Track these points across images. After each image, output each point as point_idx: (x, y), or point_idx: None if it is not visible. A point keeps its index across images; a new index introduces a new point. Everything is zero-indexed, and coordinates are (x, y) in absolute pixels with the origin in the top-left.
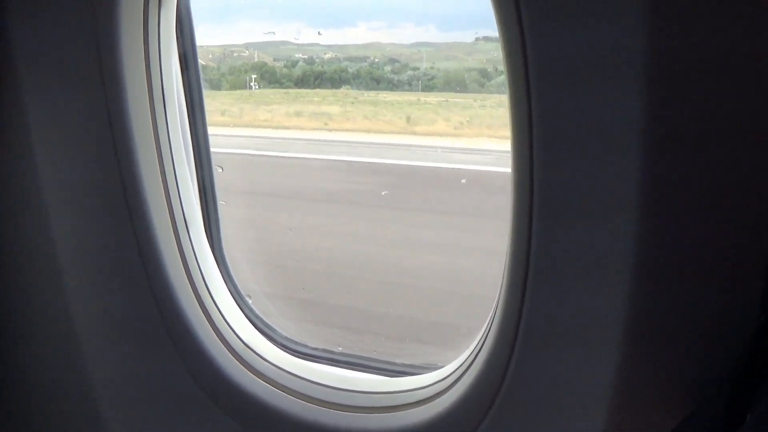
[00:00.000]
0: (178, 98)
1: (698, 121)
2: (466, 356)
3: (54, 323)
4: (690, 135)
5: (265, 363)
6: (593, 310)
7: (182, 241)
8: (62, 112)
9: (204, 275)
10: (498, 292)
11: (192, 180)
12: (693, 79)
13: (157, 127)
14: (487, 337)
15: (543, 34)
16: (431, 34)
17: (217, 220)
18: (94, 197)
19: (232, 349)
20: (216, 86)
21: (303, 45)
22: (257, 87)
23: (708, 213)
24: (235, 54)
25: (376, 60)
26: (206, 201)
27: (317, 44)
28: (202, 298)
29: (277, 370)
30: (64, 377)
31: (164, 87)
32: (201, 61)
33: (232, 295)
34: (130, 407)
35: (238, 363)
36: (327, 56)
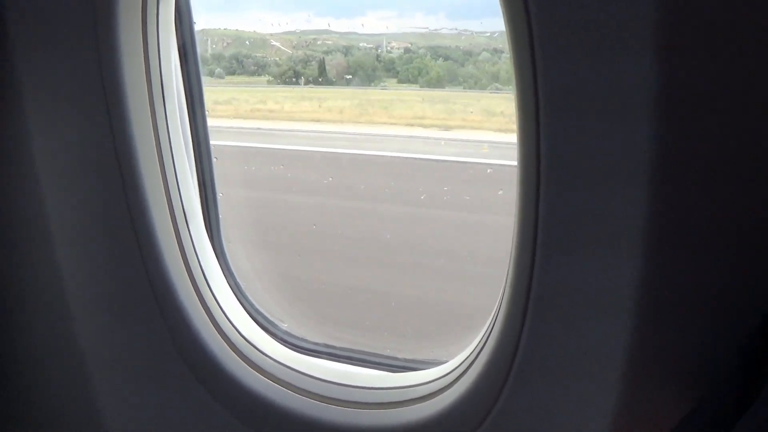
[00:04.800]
0: (177, 91)
1: (710, 89)
2: (471, 350)
3: (53, 319)
4: (702, 104)
5: (266, 358)
6: (604, 286)
7: (182, 235)
8: (61, 107)
9: (204, 270)
10: (503, 285)
11: (192, 174)
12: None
13: (156, 121)
14: (492, 330)
15: (547, 8)
16: (442, 23)
17: (216, 214)
18: (93, 191)
19: (233, 344)
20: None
21: (343, 34)
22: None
23: (719, 183)
24: (318, 42)
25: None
26: (206, 195)
27: (354, 33)
28: (202, 293)
29: (278, 365)
30: (61, 372)
31: (163, 80)
32: (280, 45)
33: (232, 289)
34: (129, 402)
35: (238, 358)
36: (392, 45)
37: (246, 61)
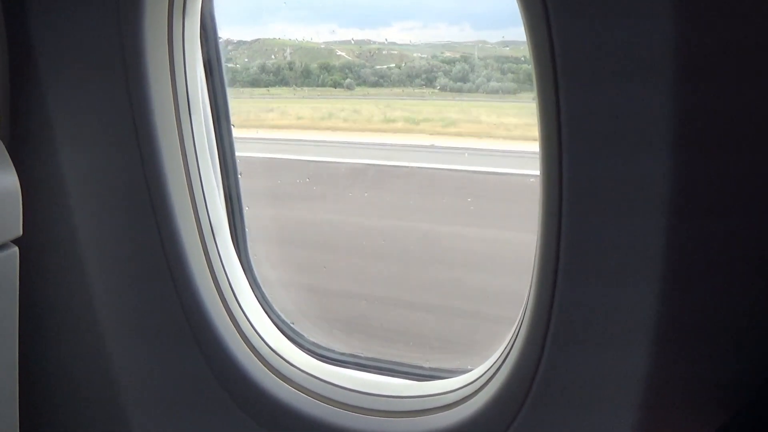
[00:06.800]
0: (203, 105)
1: (730, 119)
2: (495, 359)
3: (82, 330)
4: (722, 134)
5: (293, 368)
6: (624, 311)
7: (209, 248)
8: (88, 122)
9: (231, 282)
10: (527, 293)
11: (218, 187)
12: (723, 76)
13: (182, 135)
14: (516, 339)
15: (570, 35)
16: (466, 33)
17: (243, 227)
18: (121, 206)
19: (260, 354)
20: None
21: (383, 44)
22: None
23: (738, 212)
24: (384, 52)
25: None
26: (232, 208)
27: (394, 43)
28: (229, 305)
29: (305, 375)
30: (91, 381)
31: (189, 95)
32: (345, 55)
33: (258, 301)
34: (156, 413)
35: (265, 368)
36: (447, 55)
37: (363, 71)
